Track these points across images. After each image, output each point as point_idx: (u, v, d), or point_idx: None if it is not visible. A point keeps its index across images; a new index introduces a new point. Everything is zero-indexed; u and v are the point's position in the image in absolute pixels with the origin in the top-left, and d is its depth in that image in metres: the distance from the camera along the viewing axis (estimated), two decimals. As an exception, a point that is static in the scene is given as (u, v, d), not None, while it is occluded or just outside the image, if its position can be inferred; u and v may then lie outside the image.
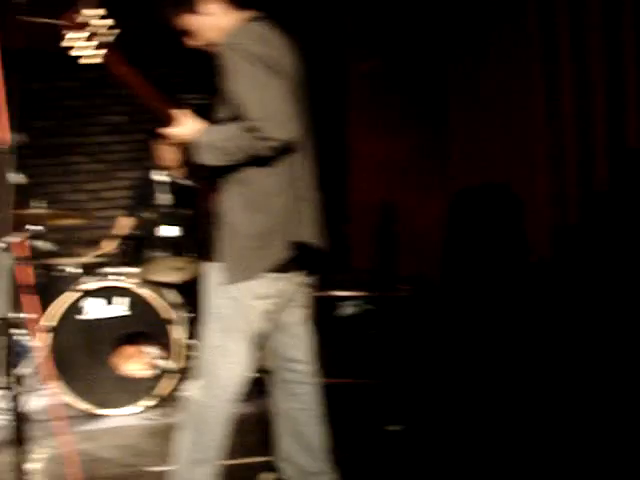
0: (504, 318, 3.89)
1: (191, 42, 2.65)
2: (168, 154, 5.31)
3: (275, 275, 2.58)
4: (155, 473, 3.49)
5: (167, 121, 2.57)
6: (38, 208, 4.73)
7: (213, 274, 2.59)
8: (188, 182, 4.67)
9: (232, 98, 2.43)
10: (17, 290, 1.60)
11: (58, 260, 5.16)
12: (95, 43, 2.11)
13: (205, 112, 2.70)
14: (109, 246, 5.38)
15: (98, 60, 2.18)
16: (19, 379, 4.56)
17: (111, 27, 2.11)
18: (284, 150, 2.45)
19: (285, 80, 2.50)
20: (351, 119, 5.01)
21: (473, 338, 4.12)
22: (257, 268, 2.54)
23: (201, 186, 2.84)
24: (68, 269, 4.95)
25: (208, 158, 2.50)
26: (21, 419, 1.67)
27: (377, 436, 3.64)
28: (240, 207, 2.55)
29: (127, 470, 3.56)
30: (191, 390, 2.69)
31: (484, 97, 4.40)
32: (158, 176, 4.64)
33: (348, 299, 4.14)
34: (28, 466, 1.67)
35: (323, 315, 4.05)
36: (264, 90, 2.40)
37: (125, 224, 5.39)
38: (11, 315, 1.53)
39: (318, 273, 2.81)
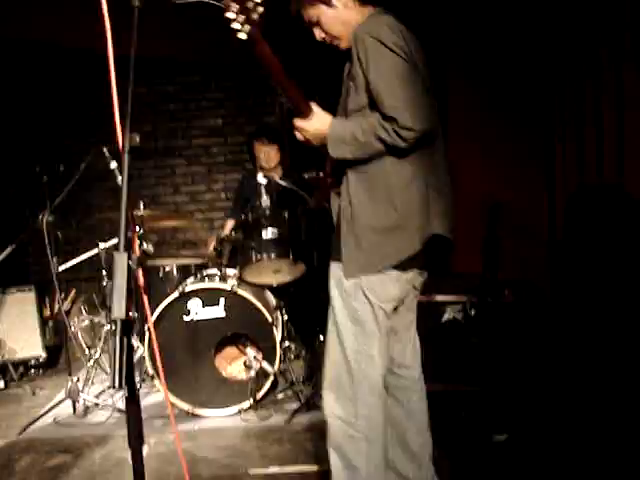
0: (616, 327, 3.73)
1: (318, 35, 2.62)
2: (271, 155, 5.36)
3: (401, 273, 2.53)
4: (256, 476, 3.51)
5: (300, 112, 2.53)
6: (137, 210, 4.84)
7: (339, 275, 2.55)
8: (288, 184, 4.67)
9: (370, 87, 2.40)
10: (131, 291, 1.59)
11: (158, 261, 5.26)
12: (242, 17, 2.08)
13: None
14: (209, 247, 5.45)
15: (243, 36, 2.13)
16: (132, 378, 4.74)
17: (258, 4, 2.09)
18: (420, 140, 2.39)
19: (420, 72, 2.46)
20: (452, 118, 4.92)
21: (581, 347, 3.97)
22: (387, 261, 2.49)
23: (318, 182, 2.76)
24: (167, 270, 5.05)
25: (342, 152, 2.48)
26: (134, 418, 1.65)
27: (482, 445, 3.55)
28: (366, 200, 2.50)
29: (227, 471, 3.59)
30: (330, 406, 2.62)
31: (592, 95, 4.25)
32: (259, 178, 4.66)
33: (451, 304, 4.07)
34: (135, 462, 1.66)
35: (428, 320, 4.04)
36: (403, 80, 2.36)
37: (226, 226, 5.45)
38: (129, 316, 1.52)
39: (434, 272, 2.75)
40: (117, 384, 1.53)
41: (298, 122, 2.55)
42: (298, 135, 2.61)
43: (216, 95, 7.09)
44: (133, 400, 1.68)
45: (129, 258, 1.63)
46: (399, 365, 2.80)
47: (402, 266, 2.50)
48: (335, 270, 2.58)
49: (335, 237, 2.62)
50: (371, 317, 2.54)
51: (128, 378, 1.60)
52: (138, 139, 1.76)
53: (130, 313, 1.60)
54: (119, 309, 1.57)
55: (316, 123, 2.52)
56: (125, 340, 1.56)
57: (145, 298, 1.96)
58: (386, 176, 2.47)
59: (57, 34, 5.77)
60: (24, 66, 6.70)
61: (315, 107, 2.54)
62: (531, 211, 4.61)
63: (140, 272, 1.75)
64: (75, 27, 5.56)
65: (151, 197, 6.98)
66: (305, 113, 2.51)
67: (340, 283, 2.55)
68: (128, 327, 1.59)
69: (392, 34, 2.38)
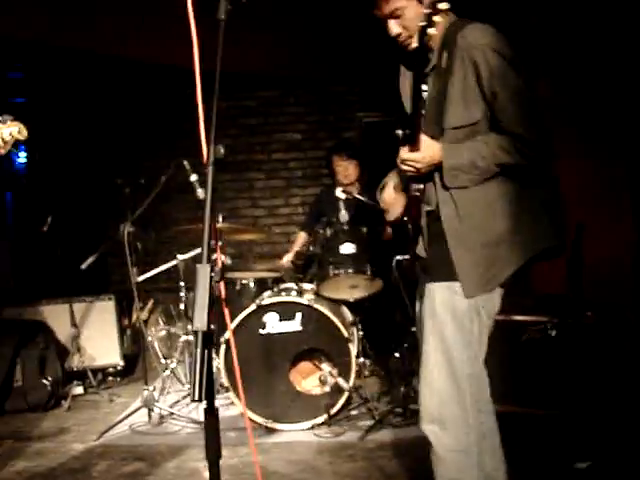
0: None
1: (394, 29, 2.43)
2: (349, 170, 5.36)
3: (501, 287, 2.44)
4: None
5: (412, 142, 2.37)
6: (217, 222, 4.89)
7: (449, 296, 2.42)
8: (366, 199, 4.66)
9: (491, 102, 2.33)
10: (213, 303, 1.58)
11: (235, 274, 5.30)
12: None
13: (379, 130, 2.64)
14: (285, 261, 5.46)
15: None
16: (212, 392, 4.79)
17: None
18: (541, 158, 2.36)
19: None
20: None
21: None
22: (501, 276, 2.40)
23: (410, 199, 2.58)
24: (244, 283, 5.07)
25: (460, 182, 2.37)
26: (213, 431, 1.65)
27: (562, 473, 3.43)
28: (475, 213, 2.40)
29: (301, 486, 3.57)
30: (439, 439, 2.42)
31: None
32: (337, 193, 4.66)
33: (531, 324, 3.97)
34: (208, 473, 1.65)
35: (507, 340, 3.95)
36: (527, 98, 2.32)
37: (303, 240, 5.46)
38: (210, 328, 1.51)
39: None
40: (197, 397, 1.53)
41: (407, 155, 2.38)
42: (407, 168, 2.41)
43: (296, 110, 7.14)
44: (212, 413, 1.67)
45: (211, 270, 1.62)
46: None
47: (508, 282, 2.43)
48: (442, 292, 2.44)
49: (432, 255, 2.52)
50: (484, 337, 2.45)
51: (208, 391, 1.59)
52: (223, 151, 1.76)
53: (212, 325, 1.60)
54: (201, 321, 1.56)
55: (428, 153, 2.37)
56: (206, 352, 1.55)
57: (226, 311, 1.95)
58: (495, 188, 2.40)
59: (141, 51, 5.90)
60: (109, 81, 6.87)
61: (422, 135, 2.37)
62: (617, 234, 4.47)
63: (222, 285, 1.74)
64: (159, 44, 5.69)
65: (230, 210, 7.06)
66: (416, 143, 2.35)
67: (451, 305, 2.41)
68: (209, 339, 1.58)
69: (510, 48, 2.33)
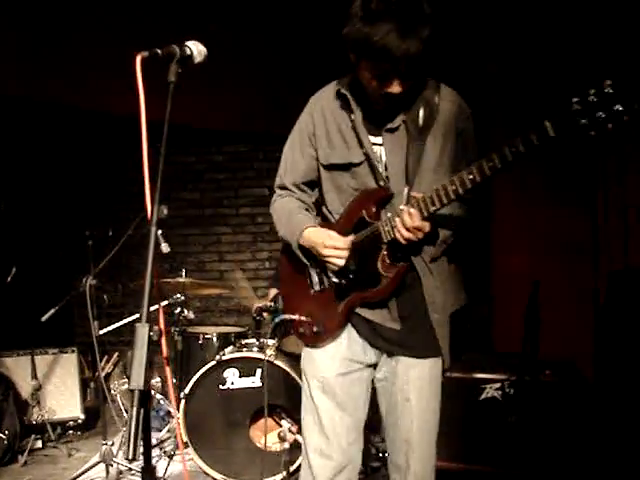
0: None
1: (398, 88, 2.25)
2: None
3: None
4: None
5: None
6: (179, 277, 4.92)
7: (435, 372, 2.50)
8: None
9: (461, 161, 2.34)
10: (151, 362, 1.60)
11: (199, 329, 5.30)
12: None
13: None
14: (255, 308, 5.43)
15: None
16: (154, 447, 4.76)
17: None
18: None
19: None
20: (496, 198, 4.91)
21: (623, 437, 3.85)
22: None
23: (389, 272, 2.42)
24: (208, 337, 5.07)
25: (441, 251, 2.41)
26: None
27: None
28: (447, 284, 2.46)
29: None
30: None
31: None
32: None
33: (490, 382, 3.99)
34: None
35: (465, 397, 3.97)
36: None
37: (269, 295, 5.45)
38: (146, 386, 1.53)
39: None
40: (131, 455, 1.54)
41: (420, 223, 2.20)
42: (410, 236, 2.23)
43: (264, 165, 7.21)
44: (149, 471, 1.68)
45: (150, 329, 1.65)
46: None
47: None
48: (431, 368, 2.49)
49: (411, 328, 2.47)
50: None
51: (144, 449, 1.60)
52: (166, 212, 1.79)
53: (153, 381, 1.61)
54: (137, 379, 1.58)
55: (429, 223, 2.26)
56: (142, 411, 1.57)
57: (167, 370, 1.96)
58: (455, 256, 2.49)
59: (106, 102, 5.95)
60: (75, 132, 6.91)
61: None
62: (576, 288, 4.54)
63: (164, 343, 1.75)
64: (123, 95, 5.75)
65: (196, 264, 7.07)
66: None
67: (436, 380, 2.51)
68: (146, 398, 1.60)
69: None
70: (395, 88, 2.22)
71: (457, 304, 2.50)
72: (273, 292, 5.55)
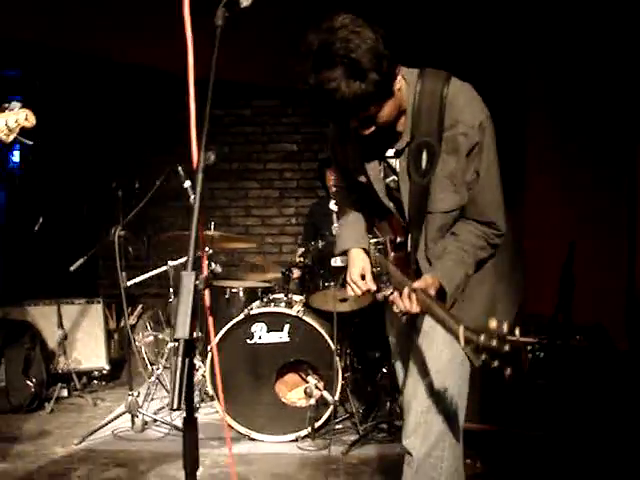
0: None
1: (368, 131, 2.17)
2: None
3: None
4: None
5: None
6: (208, 230, 4.88)
7: None
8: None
9: (471, 183, 2.24)
10: (197, 312, 1.57)
11: (226, 283, 5.28)
12: None
13: None
14: (274, 272, 5.43)
15: None
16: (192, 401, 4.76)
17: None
18: None
19: None
20: (531, 153, 4.82)
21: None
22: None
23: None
24: (234, 292, 5.05)
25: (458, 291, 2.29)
26: (191, 441, 1.63)
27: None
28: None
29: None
30: (417, 449, 2.39)
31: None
32: (331, 205, 4.64)
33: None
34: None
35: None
36: (501, 182, 2.28)
37: (296, 253, 5.41)
38: (192, 337, 1.49)
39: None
40: (176, 405, 1.50)
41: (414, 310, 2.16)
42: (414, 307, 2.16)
43: (293, 120, 7.12)
44: (190, 423, 1.65)
45: (196, 278, 1.60)
46: None
47: None
48: None
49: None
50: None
51: (187, 400, 1.57)
52: (213, 158, 1.74)
53: (194, 334, 1.58)
54: (183, 329, 1.54)
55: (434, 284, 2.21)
56: (187, 361, 1.53)
57: (210, 320, 1.93)
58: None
59: (139, 56, 5.89)
60: (107, 84, 6.86)
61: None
62: (610, 252, 4.46)
63: (207, 293, 1.72)
64: (157, 49, 5.69)
65: (222, 218, 7.03)
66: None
67: None
68: (191, 348, 1.56)
69: (491, 119, 2.23)
70: (364, 132, 2.17)
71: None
72: (301, 251, 5.52)
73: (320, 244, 4.52)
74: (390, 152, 2.33)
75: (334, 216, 4.58)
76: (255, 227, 7.11)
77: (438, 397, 2.39)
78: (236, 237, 5.99)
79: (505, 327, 1.66)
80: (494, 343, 1.65)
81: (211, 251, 4.94)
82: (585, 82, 4.73)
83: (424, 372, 2.42)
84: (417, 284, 2.15)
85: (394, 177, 2.36)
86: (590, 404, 3.83)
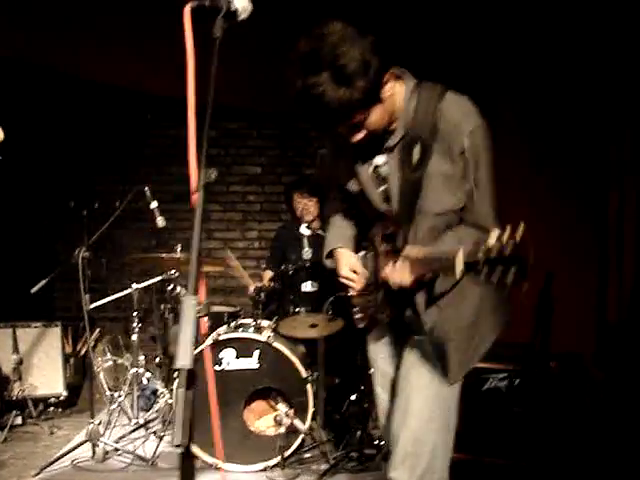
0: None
1: (357, 138, 2.21)
2: (310, 208, 5.24)
3: None
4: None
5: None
6: (175, 252, 4.77)
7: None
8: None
9: (467, 188, 2.21)
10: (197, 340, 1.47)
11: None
12: None
13: None
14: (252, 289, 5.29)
15: None
16: (139, 427, 4.62)
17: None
18: None
19: None
20: (502, 173, 4.80)
21: (628, 434, 3.79)
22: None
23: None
24: (199, 317, 4.91)
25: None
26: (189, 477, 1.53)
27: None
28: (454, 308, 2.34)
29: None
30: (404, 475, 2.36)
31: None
32: (302, 229, 4.58)
33: (494, 372, 3.91)
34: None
35: (468, 387, 3.88)
36: (495, 191, 2.24)
37: (264, 277, 5.30)
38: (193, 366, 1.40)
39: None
40: (181, 441, 1.41)
41: (405, 282, 2.16)
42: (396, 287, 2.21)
43: (257, 143, 7.04)
44: (189, 458, 1.54)
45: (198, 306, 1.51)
46: None
47: None
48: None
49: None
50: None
51: (188, 435, 1.47)
52: (215, 175, 1.67)
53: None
54: (185, 358, 1.45)
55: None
56: (191, 393, 1.44)
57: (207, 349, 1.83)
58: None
59: (104, 73, 5.78)
60: (66, 100, 6.69)
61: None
62: (582, 282, 4.46)
63: (204, 320, 1.62)
64: (121, 67, 5.58)
65: (184, 241, 6.86)
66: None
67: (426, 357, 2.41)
68: (193, 378, 1.47)
69: (489, 129, 2.21)
70: (355, 139, 2.21)
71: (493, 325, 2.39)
72: (268, 274, 5.42)
73: (290, 269, 4.43)
74: (380, 159, 2.34)
75: (304, 240, 4.52)
76: (217, 250, 6.97)
77: (427, 428, 2.34)
78: (207, 260, 5.85)
79: (505, 235, 1.68)
80: (495, 249, 1.68)
81: (178, 274, 4.82)
82: (558, 116, 4.75)
83: (412, 402, 2.36)
84: (405, 251, 2.16)
85: (385, 186, 2.36)
86: (566, 432, 3.79)
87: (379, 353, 2.68)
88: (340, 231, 2.70)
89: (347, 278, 2.54)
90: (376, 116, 2.16)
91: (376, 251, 2.52)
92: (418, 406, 2.34)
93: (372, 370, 2.75)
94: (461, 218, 2.26)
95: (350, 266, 2.55)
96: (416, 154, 2.22)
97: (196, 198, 1.67)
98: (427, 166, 2.20)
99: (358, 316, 2.61)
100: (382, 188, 2.38)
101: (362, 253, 2.62)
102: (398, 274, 2.15)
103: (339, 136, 2.25)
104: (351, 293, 2.58)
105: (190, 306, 1.49)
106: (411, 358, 2.41)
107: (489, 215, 2.22)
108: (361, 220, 2.63)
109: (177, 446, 1.40)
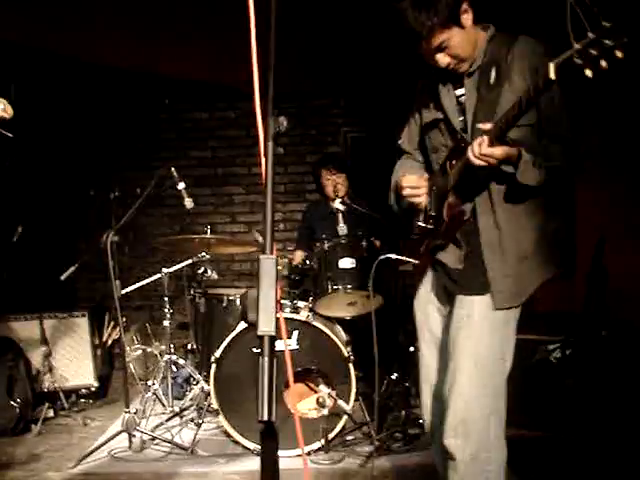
0: None
1: (443, 61, 2.39)
2: (338, 184, 5.11)
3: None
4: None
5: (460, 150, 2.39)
6: (205, 234, 4.64)
7: (484, 308, 2.40)
8: (367, 210, 4.44)
9: (545, 108, 2.30)
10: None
11: (222, 290, 5.04)
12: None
13: (364, 145, 2.60)
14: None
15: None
16: (174, 416, 4.51)
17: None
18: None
19: None
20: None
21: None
22: (529, 290, 2.42)
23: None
24: (231, 299, 4.80)
25: (531, 177, 2.26)
26: (271, 456, 1.38)
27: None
28: (512, 226, 2.39)
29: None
30: (462, 450, 2.37)
31: None
32: (336, 204, 4.43)
33: (544, 343, 3.76)
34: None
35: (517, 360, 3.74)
36: (573, 112, 2.34)
37: (299, 258, 5.15)
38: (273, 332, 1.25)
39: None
40: (266, 416, 1.26)
41: (488, 150, 2.20)
42: (481, 163, 2.24)
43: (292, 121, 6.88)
44: (272, 435, 1.39)
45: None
46: None
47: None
48: (480, 304, 2.41)
49: (468, 267, 2.49)
50: (512, 353, 2.45)
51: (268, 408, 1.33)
52: (286, 124, 1.52)
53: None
54: (268, 322, 1.30)
55: (505, 150, 2.23)
56: (275, 362, 1.29)
57: (281, 315, 1.68)
58: (529, 205, 2.40)
59: (121, 58, 5.64)
60: (85, 87, 6.56)
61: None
62: (633, 247, 4.28)
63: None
64: (139, 52, 5.45)
65: (208, 226, 6.74)
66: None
67: (490, 318, 2.39)
68: (274, 345, 1.33)
69: None
70: (441, 63, 2.39)
71: (524, 253, 2.41)
72: (299, 254, 5.29)
73: (326, 245, 4.27)
74: (460, 91, 2.49)
75: (340, 216, 4.38)
76: (241, 234, 6.83)
77: (478, 393, 2.36)
78: (235, 241, 5.71)
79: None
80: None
81: (208, 256, 4.68)
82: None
83: (462, 366, 2.39)
84: (485, 126, 2.24)
85: (464, 117, 2.47)
86: (621, 403, 3.65)
87: (430, 313, 2.71)
88: (410, 167, 2.79)
89: (410, 188, 2.60)
90: (458, 40, 2.33)
91: (443, 177, 2.55)
92: (468, 371, 2.37)
93: (412, 348, 3.00)
94: (539, 133, 2.36)
95: (413, 181, 2.61)
96: (492, 76, 2.37)
97: (266, 150, 1.49)
98: (503, 86, 2.33)
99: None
100: (461, 118, 2.48)
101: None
102: (477, 145, 2.21)
103: (428, 66, 2.44)
104: (419, 200, 2.61)
105: (269, 267, 1.34)
106: (460, 319, 2.45)
107: (565, 125, 2.33)
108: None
109: (261, 422, 1.25)
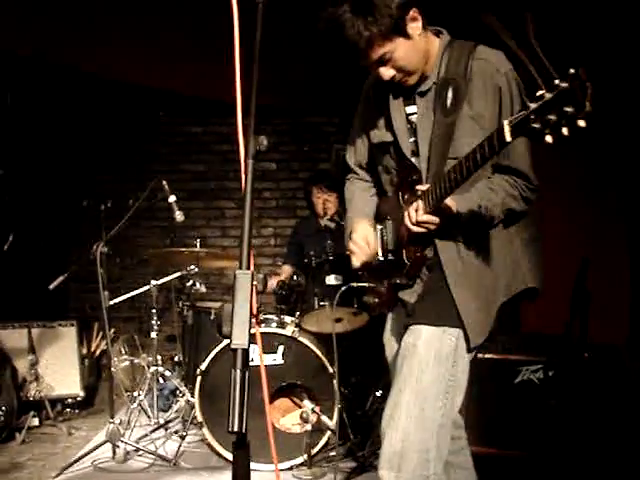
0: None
1: (387, 74, 2.20)
2: (329, 203, 5.13)
3: None
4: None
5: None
6: (195, 247, 4.67)
7: (434, 338, 2.22)
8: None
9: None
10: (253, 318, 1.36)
11: (209, 304, 5.07)
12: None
13: None
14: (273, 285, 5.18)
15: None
16: (159, 427, 4.52)
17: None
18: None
19: None
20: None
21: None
22: (492, 323, 2.29)
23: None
24: (219, 312, 4.82)
25: (481, 223, 2.21)
26: (243, 468, 1.41)
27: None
28: (476, 255, 2.29)
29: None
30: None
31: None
32: (326, 221, 4.47)
33: (526, 364, 3.79)
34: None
35: (498, 380, 3.77)
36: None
37: (287, 273, 5.18)
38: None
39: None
40: (237, 427, 1.29)
41: (427, 217, 2.13)
42: (420, 230, 2.17)
43: (271, 138, 6.91)
44: (243, 448, 1.42)
45: (252, 278, 1.40)
46: (459, 426, 2.58)
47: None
48: (429, 333, 2.23)
49: (427, 301, 2.33)
50: (465, 384, 2.29)
51: (239, 420, 1.36)
52: (266, 143, 1.56)
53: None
54: (241, 336, 1.33)
55: (445, 213, 2.15)
56: (246, 375, 1.33)
57: (257, 329, 1.72)
58: (492, 236, 2.31)
59: (114, 70, 5.68)
60: (78, 98, 6.59)
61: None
62: (613, 269, 4.34)
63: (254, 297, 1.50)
64: (132, 63, 5.49)
65: (198, 239, 6.78)
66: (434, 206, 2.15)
67: (437, 347, 2.22)
68: (247, 360, 1.36)
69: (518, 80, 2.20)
70: (383, 76, 2.21)
71: (508, 284, 2.32)
72: (287, 269, 5.32)
73: (313, 262, 4.31)
74: (412, 109, 2.33)
75: (328, 233, 4.42)
76: (232, 248, 6.86)
77: (415, 427, 2.14)
78: (224, 255, 5.73)
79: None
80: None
81: (196, 269, 4.71)
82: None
83: (401, 398, 2.18)
84: (422, 187, 2.17)
85: (415, 138, 2.33)
86: (603, 424, 3.68)
87: (395, 349, 2.50)
88: (362, 204, 2.66)
89: (356, 245, 2.45)
90: (403, 51, 2.15)
91: (398, 208, 2.41)
92: (407, 403, 2.16)
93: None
94: (494, 165, 2.25)
95: (363, 237, 2.47)
96: (449, 97, 2.20)
97: (246, 167, 1.53)
98: (461, 109, 2.17)
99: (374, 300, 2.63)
100: (412, 139, 2.34)
101: (380, 227, 2.53)
102: (413, 210, 2.14)
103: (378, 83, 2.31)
104: (354, 264, 2.48)
105: (245, 281, 1.37)
106: (406, 348, 2.26)
107: (523, 157, 2.20)
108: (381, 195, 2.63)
109: (232, 432, 1.28)
